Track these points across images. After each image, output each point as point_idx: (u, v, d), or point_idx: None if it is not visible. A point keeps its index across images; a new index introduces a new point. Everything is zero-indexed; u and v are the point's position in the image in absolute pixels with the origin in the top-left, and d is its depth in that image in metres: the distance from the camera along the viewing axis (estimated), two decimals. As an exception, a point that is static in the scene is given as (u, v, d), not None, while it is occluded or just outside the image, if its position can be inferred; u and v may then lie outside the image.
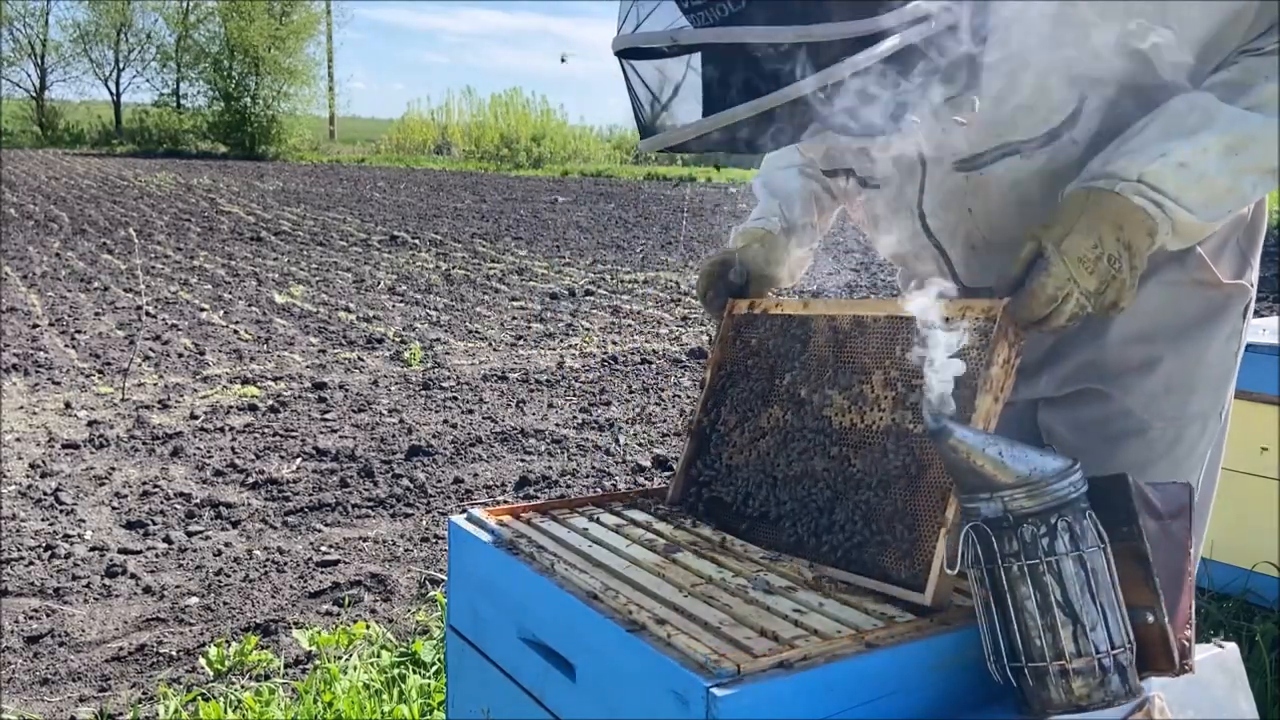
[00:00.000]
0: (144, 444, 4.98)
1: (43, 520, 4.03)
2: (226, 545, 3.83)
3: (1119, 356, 1.50)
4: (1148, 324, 1.48)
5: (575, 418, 5.61)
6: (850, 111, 1.28)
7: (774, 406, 1.59)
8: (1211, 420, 1.57)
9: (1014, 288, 1.30)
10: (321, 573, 3.63)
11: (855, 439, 1.44)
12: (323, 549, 3.83)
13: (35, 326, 7.61)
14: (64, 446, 4.91)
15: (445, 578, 3.05)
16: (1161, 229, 1.29)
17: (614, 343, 7.58)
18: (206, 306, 8.58)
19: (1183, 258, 1.46)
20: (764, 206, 1.84)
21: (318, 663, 2.95)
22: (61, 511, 4.13)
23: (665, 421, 5.57)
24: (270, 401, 5.80)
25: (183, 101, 40.92)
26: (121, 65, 43.27)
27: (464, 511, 1.67)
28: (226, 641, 3.07)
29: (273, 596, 3.44)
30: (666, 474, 4.63)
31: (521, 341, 7.62)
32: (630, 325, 8.25)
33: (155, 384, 6.15)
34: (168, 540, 3.88)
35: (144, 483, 4.46)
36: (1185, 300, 1.49)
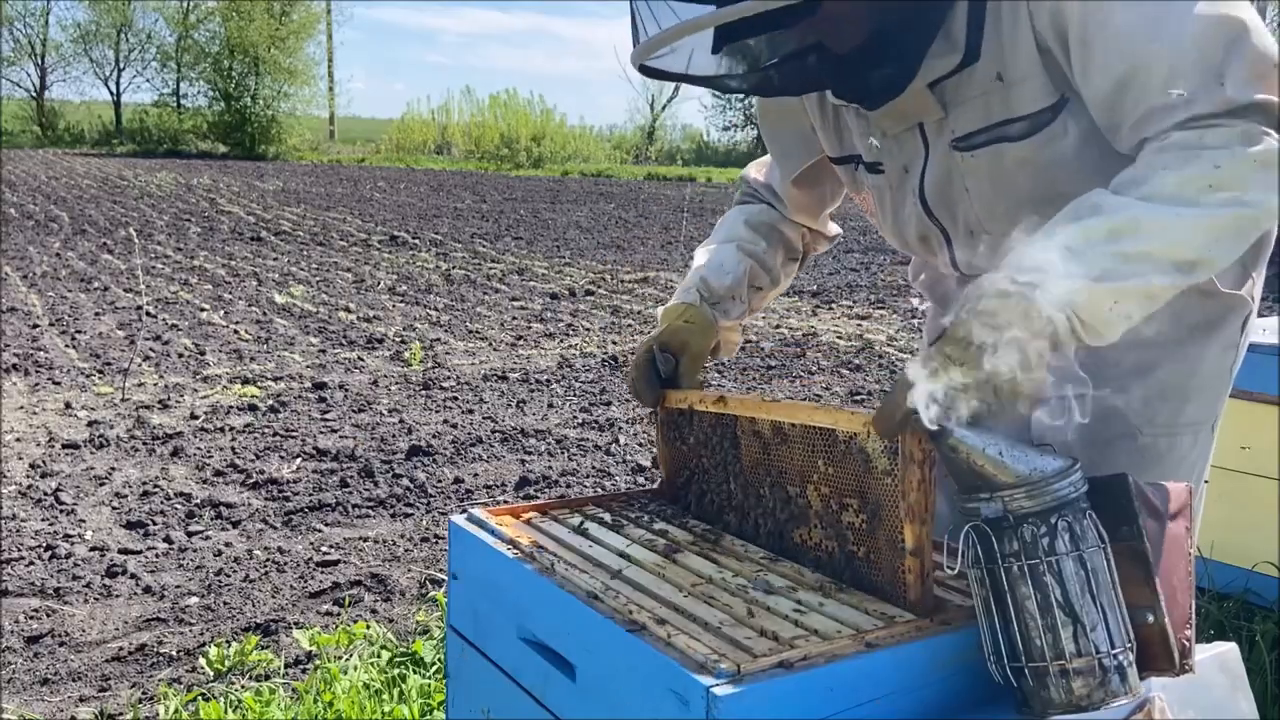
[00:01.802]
0: (144, 444, 4.98)
1: (43, 520, 4.03)
2: (226, 545, 3.83)
3: (1115, 360, 1.50)
4: (1146, 329, 1.47)
5: (575, 418, 5.61)
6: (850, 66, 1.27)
7: (731, 513, 1.60)
8: (1203, 432, 1.56)
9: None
10: (321, 573, 3.63)
11: (810, 554, 1.45)
12: (323, 549, 3.83)
13: (35, 326, 7.61)
14: (64, 446, 4.91)
15: (445, 578, 3.05)
16: (1061, 330, 1.19)
17: (614, 343, 7.58)
18: (206, 306, 8.58)
19: None
20: (688, 279, 1.84)
21: (318, 663, 2.94)
22: (61, 511, 4.13)
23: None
24: (270, 401, 5.80)
25: (183, 101, 40.87)
26: (122, 65, 43.21)
27: (464, 511, 1.67)
28: (226, 641, 3.07)
29: (273, 596, 3.44)
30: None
31: (521, 341, 7.62)
32: (630, 325, 8.25)
33: (155, 384, 6.15)
34: (168, 540, 3.88)
35: (144, 483, 4.46)
36: (1184, 307, 1.47)
